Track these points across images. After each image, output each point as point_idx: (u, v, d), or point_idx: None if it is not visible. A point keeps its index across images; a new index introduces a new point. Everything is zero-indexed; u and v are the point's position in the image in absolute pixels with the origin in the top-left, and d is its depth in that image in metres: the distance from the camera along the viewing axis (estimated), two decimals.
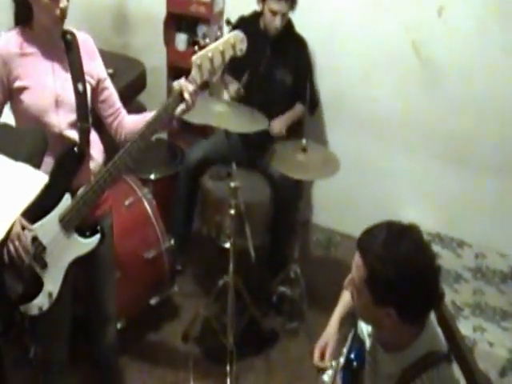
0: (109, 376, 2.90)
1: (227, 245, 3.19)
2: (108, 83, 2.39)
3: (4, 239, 2.11)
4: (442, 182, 3.81)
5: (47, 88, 2.21)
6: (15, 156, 2.13)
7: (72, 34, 2.28)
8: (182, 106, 2.21)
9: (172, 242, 3.27)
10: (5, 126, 2.31)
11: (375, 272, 1.68)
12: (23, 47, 2.19)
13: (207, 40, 2.24)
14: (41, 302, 2.29)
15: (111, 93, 2.41)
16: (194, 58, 2.20)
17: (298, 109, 3.66)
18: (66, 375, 2.67)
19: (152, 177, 3.66)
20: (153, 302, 3.30)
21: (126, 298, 2.98)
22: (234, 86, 3.30)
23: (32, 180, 2.10)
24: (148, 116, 2.32)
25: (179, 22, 4.23)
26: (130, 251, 3.06)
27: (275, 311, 3.60)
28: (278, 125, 3.51)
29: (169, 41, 4.25)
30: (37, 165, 2.19)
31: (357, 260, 1.74)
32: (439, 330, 1.89)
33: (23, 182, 2.08)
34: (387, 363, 1.84)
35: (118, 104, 2.43)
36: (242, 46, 2.25)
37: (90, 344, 2.71)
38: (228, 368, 3.09)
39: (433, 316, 1.88)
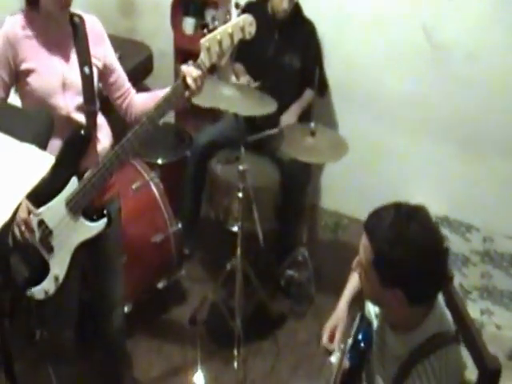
0: (117, 359, 2.91)
1: (235, 228, 3.20)
2: (117, 66, 2.39)
3: (9, 222, 2.09)
4: (450, 165, 3.80)
5: (54, 71, 2.21)
6: (21, 137, 2.09)
7: (80, 17, 2.28)
8: (187, 92, 2.20)
9: (179, 225, 3.27)
10: (10, 106, 2.30)
11: (382, 253, 1.69)
12: (30, 30, 2.19)
13: (216, 23, 2.22)
14: (47, 286, 2.30)
15: (119, 75, 2.40)
16: (202, 40, 2.18)
17: (307, 96, 3.65)
18: (73, 359, 2.70)
19: (159, 161, 3.66)
20: (160, 285, 3.31)
21: (134, 281, 2.99)
22: (244, 79, 3.30)
23: (38, 161, 2.06)
24: (157, 94, 2.32)
25: (187, 5, 4.22)
26: (137, 235, 3.06)
27: (283, 294, 3.60)
28: (288, 118, 3.52)
29: (176, 25, 4.25)
30: (43, 146, 2.16)
31: (364, 241, 1.75)
32: (447, 311, 1.89)
33: (29, 163, 2.04)
34: (395, 344, 1.85)
35: (127, 85, 2.43)
36: (251, 30, 2.23)
37: (98, 328, 2.72)
38: (235, 351, 3.10)
39: (441, 297, 1.89)
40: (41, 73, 2.19)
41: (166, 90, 2.26)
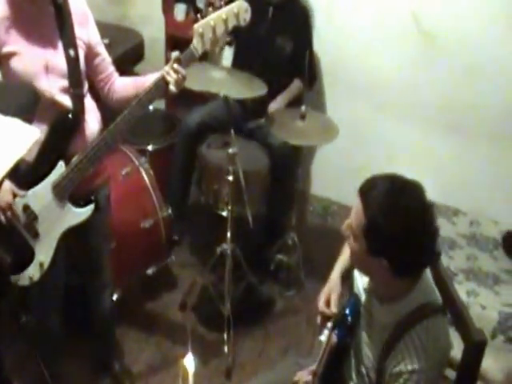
0: (106, 345, 2.93)
1: (225, 213, 3.20)
2: (101, 48, 2.36)
3: None
4: (439, 150, 3.83)
5: (36, 53, 2.16)
6: (4, 111, 2.07)
7: None
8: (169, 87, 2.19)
9: (169, 211, 3.27)
10: None
11: (374, 221, 1.70)
12: (11, 12, 2.13)
13: (210, 9, 2.22)
14: (32, 273, 2.25)
15: (104, 58, 2.37)
16: (195, 26, 2.18)
17: (295, 86, 3.66)
18: (61, 346, 2.70)
19: (150, 147, 3.64)
20: (150, 271, 3.30)
21: (123, 267, 2.99)
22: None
23: (23, 134, 2.04)
24: (139, 80, 2.33)
25: None
26: (126, 220, 3.05)
27: (272, 279, 3.62)
28: (276, 107, 3.52)
29: (167, 11, 4.23)
30: (28, 120, 2.14)
31: (357, 206, 1.75)
32: (434, 284, 1.92)
33: (13, 136, 2.02)
34: (382, 315, 1.87)
35: (111, 69, 2.40)
36: (246, 16, 2.24)
37: (87, 312, 2.72)
38: (225, 335, 3.12)
39: (428, 270, 1.91)
40: (23, 56, 2.14)
41: (148, 79, 2.26)
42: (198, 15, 2.23)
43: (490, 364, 2.90)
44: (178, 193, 3.71)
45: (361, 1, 3.74)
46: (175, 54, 4.29)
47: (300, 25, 3.60)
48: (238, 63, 3.53)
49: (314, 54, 3.76)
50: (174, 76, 2.17)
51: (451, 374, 2.09)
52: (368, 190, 1.74)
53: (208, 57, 3.64)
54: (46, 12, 2.19)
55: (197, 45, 2.21)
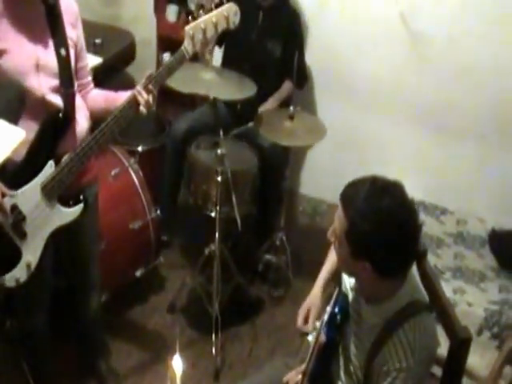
0: (93, 347, 2.92)
1: (213, 214, 3.19)
2: (85, 54, 2.36)
3: None
4: (426, 151, 3.87)
5: (26, 51, 2.14)
6: None
7: None
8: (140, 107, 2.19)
9: (158, 212, 3.27)
10: None
11: (355, 225, 1.72)
12: (1, 10, 2.11)
13: (201, 11, 2.23)
14: (18, 274, 2.21)
15: (86, 64, 2.37)
16: (186, 27, 2.19)
17: (286, 88, 3.68)
18: (46, 348, 2.68)
19: (139, 149, 3.62)
20: (138, 273, 3.29)
21: (111, 269, 2.97)
22: None
23: (7, 135, 2.03)
24: (110, 96, 2.34)
25: None
26: (115, 222, 3.05)
27: (261, 279, 3.64)
28: (266, 109, 3.54)
29: (159, 12, 4.24)
30: (13, 121, 2.13)
31: (339, 212, 1.77)
32: (420, 283, 1.94)
33: None
34: (370, 315, 1.89)
35: (89, 78, 2.40)
36: (235, 19, 2.26)
37: (74, 315, 2.71)
38: (213, 336, 3.12)
39: (415, 268, 1.93)
40: (13, 54, 2.12)
41: (120, 95, 2.27)
42: (189, 17, 2.24)
43: (476, 360, 2.95)
44: (168, 195, 3.72)
45: (350, 3, 3.77)
46: (166, 55, 4.32)
47: (290, 28, 3.62)
48: (228, 66, 3.54)
49: (304, 56, 3.77)
50: (145, 97, 2.16)
51: (438, 371, 2.11)
52: (348, 194, 1.77)
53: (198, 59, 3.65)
54: (36, 11, 2.17)
55: (187, 46, 2.22)
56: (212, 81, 3.02)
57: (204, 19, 2.20)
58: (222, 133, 2.99)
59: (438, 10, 3.56)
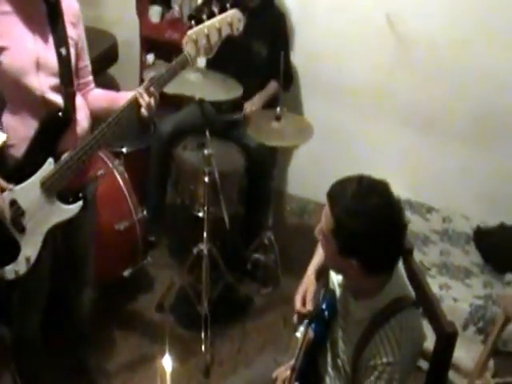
0: (84, 344, 2.92)
1: (201, 214, 3.21)
2: (86, 54, 2.37)
3: None
4: (412, 150, 3.92)
5: (27, 49, 2.15)
6: None
7: None
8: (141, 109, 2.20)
9: (144, 213, 3.27)
10: None
11: (341, 223, 1.74)
12: (2, 7, 2.13)
13: (204, 16, 2.23)
14: (17, 267, 2.25)
15: (87, 65, 2.38)
16: (189, 32, 2.20)
17: (272, 87, 3.70)
18: (38, 347, 2.68)
19: (124, 150, 3.64)
20: (126, 273, 3.30)
21: (99, 269, 2.95)
22: None
23: None
24: (111, 96, 2.36)
25: None
26: (101, 223, 2.98)
27: (250, 277, 3.67)
28: (251, 106, 3.56)
29: (142, 13, 4.25)
30: None
31: (326, 210, 1.80)
32: (407, 279, 1.96)
33: None
34: (357, 310, 1.91)
35: (90, 77, 2.41)
36: (239, 26, 2.27)
37: (67, 311, 2.72)
38: (203, 334, 3.14)
39: (401, 265, 1.95)
40: (13, 51, 2.13)
41: (121, 96, 2.27)
42: (192, 22, 2.24)
43: (462, 354, 2.99)
44: (155, 196, 3.73)
45: (336, 5, 3.80)
46: (150, 56, 4.32)
47: (276, 29, 3.64)
48: (213, 68, 3.56)
49: (291, 57, 3.79)
50: (147, 99, 2.18)
51: (424, 364, 2.15)
52: (335, 193, 1.79)
53: None
54: (38, 9, 2.18)
55: (190, 50, 2.23)
56: (197, 82, 3.02)
57: (207, 24, 2.20)
58: (208, 133, 2.99)
59: (423, 12, 3.60)
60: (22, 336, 2.62)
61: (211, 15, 2.23)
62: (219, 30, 2.22)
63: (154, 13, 4.25)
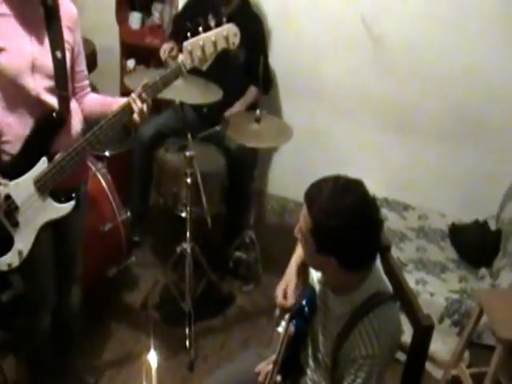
0: (71, 342, 2.93)
1: (184, 214, 3.26)
2: (82, 58, 2.41)
3: None
4: (389, 150, 3.99)
5: (23, 50, 2.18)
6: None
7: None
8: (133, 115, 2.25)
9: (128, 214, 3.32)
10: None
11: (319, 223, 1.78)
12: (1, 8, 2.15)
13: (200, 29, 2.28)
14: (10, 259, 2.32)
15: (83, 69, 2.42)
16: (185, 43, 2.25)
17: (251, 94, 3.73)
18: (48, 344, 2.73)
19: (107, 153, 3.67)
20: (111, 273, 3.34)
21: (84, 270, 2.96)
22: (167, 45, 3.38)
23: None
24: (106, 100, 2.41)
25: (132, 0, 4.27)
26: (86, 225, 3.04)
27: (232, 275, 3.72)
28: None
29: (122, 20, 4.26)
30: None
31: (304, 211, 1.84)
32: (384, 275, 2.02)
33: None
34: (337, 305, 1.96)
35: (86, 82, 2.46)
36: (235, 40, 2.32)
37: (56, 309, 2.71)
38: (187, 331, 3.18)
39: (379, 261, 2.01)
40: (10, 52, 2.15)
41: (116, 101, 2.32)
42: (188, 34, 2.29)
43: (438, 346, 3.06)
44: (138, 198, 3.77)
45: (313, 8, 3.84)
46: (131, 62, 4.33)
47: (253, 33, 3.64)
48: (192, 72, 3.58)
49: (269, 60, 3.83)
50: (139, 105, 2.22)
51: (402, 356, 2.20)
52: (312, 193, 1.83)
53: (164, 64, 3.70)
54: (35, 13, 2.21)
55: (185, 61, 2.28)
56: (178, 85, 3.06)
57: (203, 37, 2.25)
58: (189, 135, 3.03)
59: (397, 14, 3.67)
60: (33, 329, 2.67)
61: (207, 28, 2.28)
62: (215, 43, 2.27)
63: (135, 19, 4.28)
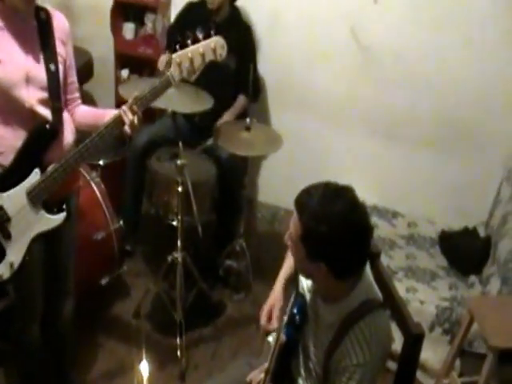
0: (63, 353, 2.90)
1: (175, 223, 3.26)
2: (73, 71, 2.43)
3: None
4: (378, 158, 4.02)
5: (17, 63, 2.19)
6: None
7: (47, 12, 2.28)
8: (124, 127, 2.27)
9: (121, 223, 3.33)
10: None
11: (309, 229, 1.79)
12: None
13: (189, 41, 2.31)
14: (1, 271, 2.31)
15: (74, 81, 2.44)
16: (174, 55, 2.28)
17: (240, 103, 3.76)
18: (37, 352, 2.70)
19: (101, 162, 3.68)
20: (103, 282, 3.35)
21: (77, 278, 2.97)
22: (164, 57, 3.37)
23: None
24: (97, 112, 2.43)
25: (126, 11, 4.29)
26: (79, 233, 3.03)
27: (222, 284, 3.72)
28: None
29: (116, 30, 4.30)
30: None
31: (294, 217, 1.85)
32: (374, 283, 2.02)
33: None
34: (327, 314, 1.97)
35: (77, 94, 2.47)
36: (222, 52, 2.35)
37: (48, 322, 2.71)
38: (178, 340, 3.19)
39: (369, 269, 2.01)
40: (4, 64, 2.17)
41: (107, 113, 2.33)
42: (177, 46, 2.32)
43: (429, 355, 3.06)
44: (131, 207, 3.78)
45: (302, 17, 3.88)
46: (125, 71, 4.36)
47: (243, 41, 3.69)
48: (184, 81, 3.61)
49: (258, 69, 3.85)
50: (131, 117, 2.25)
51: (393, 365, 2.19)
52: (302, 200, 1.84)
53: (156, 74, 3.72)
54: (29, 26, 2.24)
55: (174, 72, 2.30)
56: (170, 94, 3.08)
57: (191, 49, 2.28)
58: (181, 144, 3.04)
59: (386, 24, 3.71)
60: (22, 340, 2.64)
61: (196, 41, 2.31)
62: (203, 55, 2.30)
63: (128, 29, 4.32)
